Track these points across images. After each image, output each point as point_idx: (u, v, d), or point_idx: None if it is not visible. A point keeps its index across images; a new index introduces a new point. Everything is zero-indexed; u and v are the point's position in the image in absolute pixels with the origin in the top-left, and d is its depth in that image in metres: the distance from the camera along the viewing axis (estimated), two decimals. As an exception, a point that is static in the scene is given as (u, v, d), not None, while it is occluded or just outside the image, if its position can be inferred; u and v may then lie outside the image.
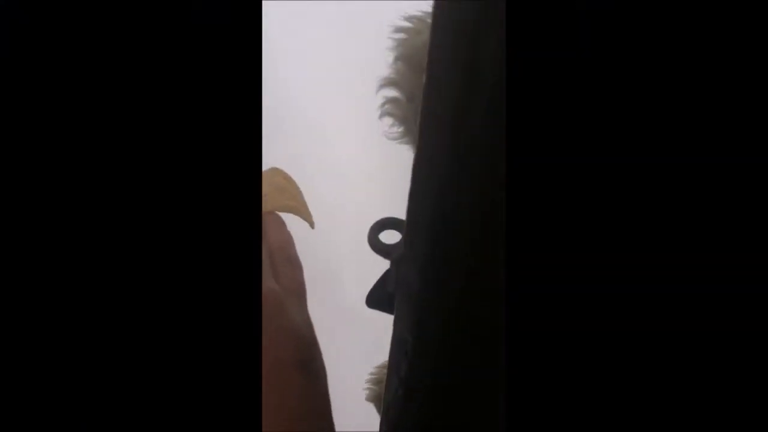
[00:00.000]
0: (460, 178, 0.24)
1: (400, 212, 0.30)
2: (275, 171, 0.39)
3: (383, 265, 0.34)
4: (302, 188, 0.38)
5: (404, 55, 0.33)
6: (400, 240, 0.30)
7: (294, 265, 0.34)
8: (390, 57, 0.35)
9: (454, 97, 0.21)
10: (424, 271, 0.30)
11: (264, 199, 0.37)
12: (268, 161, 0.29)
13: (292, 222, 0.37)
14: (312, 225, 0.38)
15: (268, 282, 0.31)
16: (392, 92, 0.37)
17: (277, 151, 0.40)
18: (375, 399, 0.42)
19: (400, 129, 0.38)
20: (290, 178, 0.39)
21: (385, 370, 0.29)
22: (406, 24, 0.34)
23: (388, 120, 0.38)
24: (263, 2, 0.20)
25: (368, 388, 0.42)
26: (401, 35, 0.34)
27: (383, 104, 0.38)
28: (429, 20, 0.24)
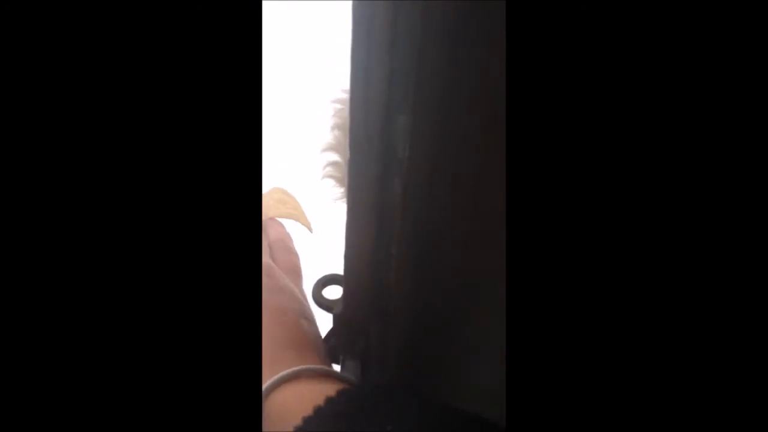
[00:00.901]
0: (387, 246, 0.27)
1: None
2: (275, 189, 0.43)
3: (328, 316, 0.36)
4: None
5: (339, 125, 0.36)
6: (340, 299, 0.32)
7: (291, 252, 0.40)
8: (329, 125, 0.37)
9: (373, 172, 0.24)
10: (364, 329, 0.32)
11: (265, 209, 0.42)
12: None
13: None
14: (311, 230, 0.43)
15: (267, 259, 0.36)
16: (332, 156, 0.39)
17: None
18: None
19: (341, 190, 0.40)
20: (289, 193, 0.43)
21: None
22: (343, 95, 0.37)
23: (330, 181, 0.40)
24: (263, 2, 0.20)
25: None
26: (338, 105, 0.36)
27: (324, 167, 0.40)
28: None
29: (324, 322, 0.35)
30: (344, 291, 0.31)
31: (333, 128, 0.37)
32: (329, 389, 0.25)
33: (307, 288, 0.38)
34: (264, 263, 0.35)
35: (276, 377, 0.27)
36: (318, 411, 0.23)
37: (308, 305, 0.36)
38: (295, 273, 0.38)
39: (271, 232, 0.41)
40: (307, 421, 0.23)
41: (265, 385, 0.27)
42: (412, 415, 0.23)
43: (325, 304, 0.33)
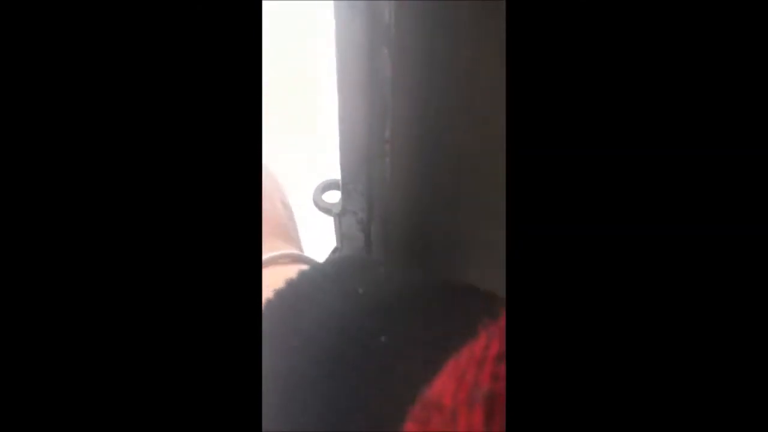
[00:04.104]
0: (381, 129, 0.25)
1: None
2: None
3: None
4: None
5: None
6: (340, 199, 0.31)
7: None
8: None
9: (360, 42, 0.22)
10: (365, 224, 0.31)
11: None
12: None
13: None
14: None
15: None
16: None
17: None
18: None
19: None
20: None
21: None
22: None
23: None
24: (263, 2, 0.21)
25: None
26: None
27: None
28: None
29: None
30: (342, 188, 0.30)
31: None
32: (304, 267, 0.24)
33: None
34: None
35: None
36: (289, 282, 0.23)
37: (282, 188, 0.35)
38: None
39: None
40: (278, 292, 0.22)
41: None
42: (387, 280, 0.23)
43: (325, 207, 0.32)
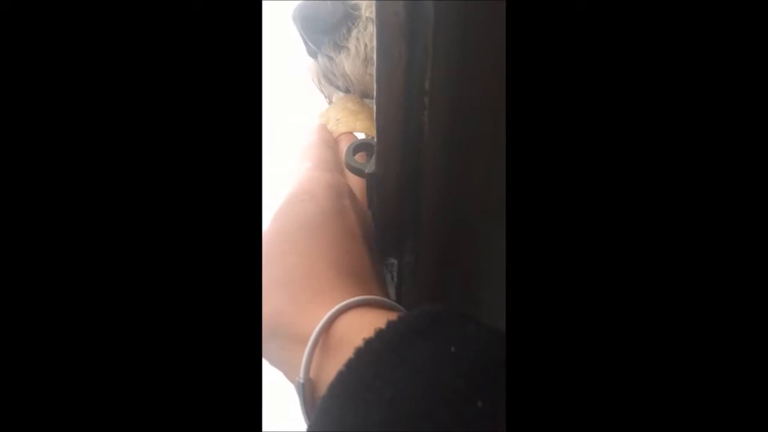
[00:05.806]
0: (420, 81, 0.25)
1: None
2: (347, 97, 0.41)
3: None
4: None
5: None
6: (372, 159, 0.31)
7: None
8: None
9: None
10: (398, 188, 0.30)
11: (337, 122, 0.40)
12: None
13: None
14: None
15: (340, 177, 0.35)
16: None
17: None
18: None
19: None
20: (362, 102, 0.41)
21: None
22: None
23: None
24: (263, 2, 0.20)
25: None
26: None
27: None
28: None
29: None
30: (377, 146, 0.29)
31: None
32: (392, 316, 0.25)
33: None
34: (338, 181, 0.34)
35: (341, 304, 0.27)
36: (379, 332, 0.23)
37: (370, 230, 0.35)
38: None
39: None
40: (368, 341, 0.23)
41: (329, 313, 0.26)
42: (478, 337, 0.23)
43: (356, 168, 0.31)
